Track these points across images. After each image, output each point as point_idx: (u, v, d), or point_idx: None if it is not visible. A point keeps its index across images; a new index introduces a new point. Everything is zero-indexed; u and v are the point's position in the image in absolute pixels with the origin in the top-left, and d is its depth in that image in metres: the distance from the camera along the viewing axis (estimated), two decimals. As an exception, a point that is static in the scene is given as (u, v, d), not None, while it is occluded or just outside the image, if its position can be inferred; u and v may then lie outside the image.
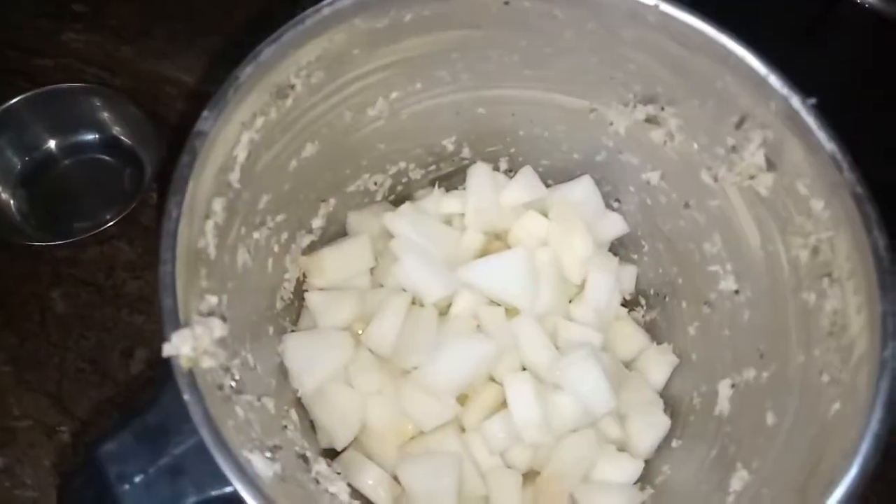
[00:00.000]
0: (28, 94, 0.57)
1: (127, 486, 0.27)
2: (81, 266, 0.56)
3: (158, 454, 0.27)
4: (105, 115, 0.59)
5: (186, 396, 0.25)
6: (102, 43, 0.65)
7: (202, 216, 0.31)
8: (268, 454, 0.28)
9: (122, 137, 0.59)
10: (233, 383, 0.29)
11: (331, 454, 0.41)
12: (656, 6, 0.34)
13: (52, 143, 0.59)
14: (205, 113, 0.31)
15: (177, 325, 0.27)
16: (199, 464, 0.26)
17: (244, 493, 0.24)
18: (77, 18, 0.66)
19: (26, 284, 0.55)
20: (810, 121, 0.32)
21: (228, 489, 0.26)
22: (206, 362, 0.27)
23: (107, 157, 0.59)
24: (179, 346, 0.26)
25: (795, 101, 0.33)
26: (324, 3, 0.33)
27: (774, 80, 0.33)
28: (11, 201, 0.57)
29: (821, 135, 0.32)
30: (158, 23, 0.66)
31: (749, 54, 0.34)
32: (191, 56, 0.65)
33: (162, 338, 0.26)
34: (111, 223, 0.54)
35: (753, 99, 0.34)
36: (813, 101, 0.33)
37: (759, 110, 0.34)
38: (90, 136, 0.59)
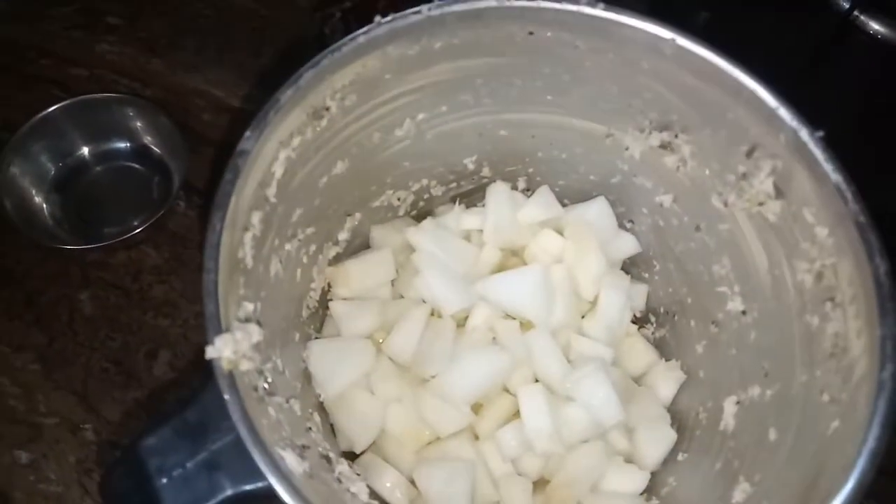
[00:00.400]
0: (64, 102, 0.59)
1: (165, 480, 0.28)
2: (110, 270, 0.58)
3: (197, 450, 0.29)
4: (137, 124, 0.61)
5: (227, 396, 0.27)
6: (135, 55, 0.67)
7: (242, 228, 0.33)
8: (297, 452, 0.30)
9: (153, 146, 0.62)
10: (266, 385, 0.31)
11: (349, 457, 0.43)
12: (673, 40, 0.36)
13: (85, 151, 0.61)
14: (247, 133, 0.33)
15: (219, 330, 0.29)
16: (234, 460, 0.27)
17: (278, 488, 0.26)
18: (111, 30, 0.69)
19: (56, 286, 0.57)
20: (818, 153, 0.34)
21: (261, 484, 0.27)
22: (245, 365, 0.29)
23: (137, 166, 0.62)
24: (221, 350, 0.28)
25: (804, 134, 0.35)
26: (360, 31, 0.36)
27: (784, 113, 0.35)
28: (45, 205, 0.59)
29: (827, 166, 0.34)
30: (189, 36, 0.69)
31: (760, 87, 0.35)
32: (219, 70, 0.67)
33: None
34: (139, 229, 0.56)
35: (764, 130, 0.36)
36: (821, 133, 0.34)
37: (769, 140, 0.36)
38: (122, 145, 0.62)
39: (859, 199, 0.33)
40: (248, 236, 0.33)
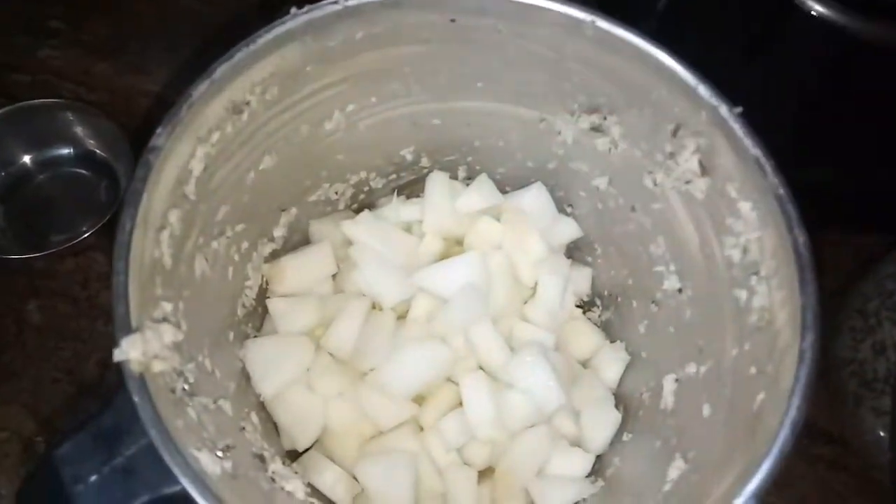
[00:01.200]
0: (2, 110, 0.58)
1: (81, 487, 0.28)
2: (57, 278, 0.57)
3: (112, 455, 0.28)
4: (79, 129, 0.60)
5: (136, 398, 0.27)
6: (79, 58, 0.66)
7: (157, 227, 0.32)
8: (219, 453, 0.30)
9: (97, 151, 0.61)
10: (186, 386, 0.31)
11: (295, 455, 0.42)
12: (593, 21, 0.36)
13: (27, 159, 0.60)
14: (158, 129, 0.32)
15: (128, 332, 0.28)
16: (151, 463, 0.27)
17: (189, 488, 0.26)
18: (53, 34, 0.67)
19: (2, 297, 0.56)
20: (737, 128, 0.34)
21: (179, 487, 0.27)
22: (158, 366, 0.29)
23: (82, 171, 0.61)
24: (129, 351, 0.27)
25: (724, 110, 0.35)
26: (274, 23, 0.35)
27: (703, 90, 0.35)
28: (-12, 216, 0.58)
29: (747, 141, 0.34)
30: (133, 38, 0.68)
31: (679, 66, 0.35)
32: (166, 70, 0.66)
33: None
34: (86, 234, 0.55)
35: (686, 108, 0.36)
36: (739, 109, 0.35)
37: (691, 118, 0.36)
38: (65, 151, 0.60)
39: (778, 173, 0.33)
40: (164, 235, 0.32)
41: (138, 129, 0.62)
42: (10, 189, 0.59)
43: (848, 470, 0.53)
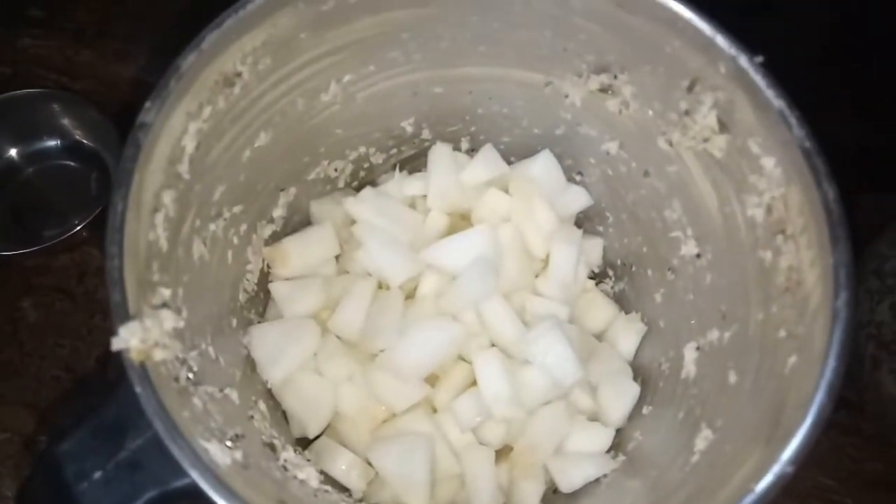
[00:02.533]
0: (-18, 104, 0.56)
1: (85, 484, 0.27)
2: (52, 273, 0.56)
3: (116, 449, 0.27)
4: (65, 120, 0.58)
5: (138, 389, 0.25)
6: (61, 47, 0.64)
7: (150, 209, 0.30)
8: (228, 443, 0.28)
9: (85, 141, 0.59)
10: (190, 375, 0.29)
11: (306, 443, 0.41)
12: (600, -27, 0.34)
13: (13, 152, 0.58)
14: (147, 104, 0.30)
15: (126, 320, 0.26)
16: (157, 456, 0.26)
17: (199, 480, 0.24)
18: (34, 23, 0.65)
19: (-5, 295, 0.55)
20: (758, 79, 0.32)
21: (188, 480, 0.25)
22: (159, 354, 0.27)
23: (71, 163, 0.59)
24: (128, 340, 0.26)
25: (743, 61, 0.33)
26: (265, -14, 0.33)
27: (721, 41, 0.33)
28: (-25, 213, 0.56)
29: (769, 92, 0.32)
30: (117, 24, 0.65)
31: (695, 16, 0.33)
32: (153, 55, 0.64)
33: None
34: (79, 228, 0.53)
35: (703, 61, 0.34)
36: (760, 58, 0.33)
37: (708, 72, 0.34)
38: (52, 143, 0.58)
39: (804, 125, 0.31)
40: (159, 217, 0.31)
41: (125, 117, 0.59)
42: (-3, 184, 0.58)
43: (862, 434, 0.52)
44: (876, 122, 0.55)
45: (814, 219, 0.31)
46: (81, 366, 0.54)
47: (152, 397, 0.25)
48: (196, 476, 0.24)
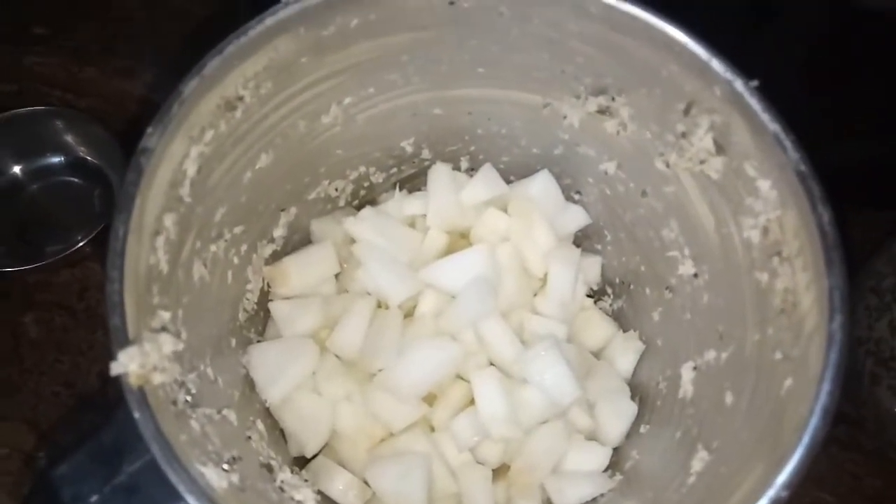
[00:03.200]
0: (-14, 121, 0.57)
1: (83, 507, 0.27)
2: (54, 289, 0.56)
3: (113, 473, 0.27)
4: (69, 137, 0.59)
5: (136, 414, 0.25)
6: (66, 64, 0.65)
7: (152, 232, 0.31)
8: (224, 466, 0.28)
9: (89, 158, 0.59)
10: (188, 398, 0.29)
11: (303, 462, 0.41)
12: (597, -2, 0.35)
13: (17, 169, 0.59)
14: (149, 129, 0.31)
15: (125, 344, 0.27)
16: (154, 480, 0.26)
17: (196, 506, 0.24)
18: (38, 41, 0.66)
19: (-3, 311, 0.55)
20: (753, 103, 0.33)
21: None
22: (158, 378, 0.27)
23: (75, 179, 0.59)
24: (127, 364, 0.26)
25: (738, 85, 0.33)
26: (266, 13, 0.34)
27: (717, 65, 0.33)
28: (-21, 229, 0.57)
29: (764, 116, 0.32)
30: (121, 41, 0.66)
31: (690, 40, 0.34)
32: (157, 73, 0.64)
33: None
34: (81, 244, 0.53)
35: (698, 84, 0.34)
36: (755, 83, 0.33)
37: (704, 95, 0.35)
38: (56, 160, 0.59)
39: (799, 148, 0.32)
40: (160, 240, 0.31)
41: (130, 134, 0.60)
42: (1, 200, 0.58)
43: (861, 450, 0.52)
44: (876, 137, 0.56)
45: (809, 242, 0.31)
46: (82, 382, 0.54)
47: (150, 422, 0.25)
48: (192, 501, 0.25)
